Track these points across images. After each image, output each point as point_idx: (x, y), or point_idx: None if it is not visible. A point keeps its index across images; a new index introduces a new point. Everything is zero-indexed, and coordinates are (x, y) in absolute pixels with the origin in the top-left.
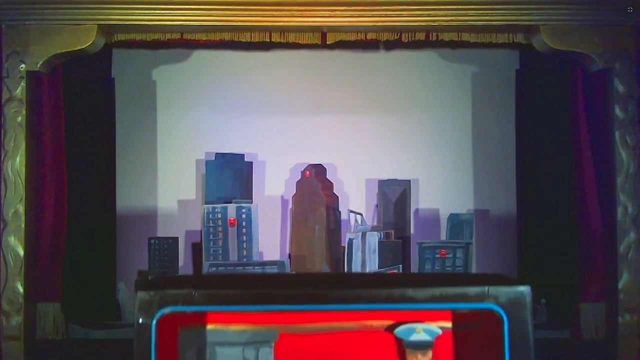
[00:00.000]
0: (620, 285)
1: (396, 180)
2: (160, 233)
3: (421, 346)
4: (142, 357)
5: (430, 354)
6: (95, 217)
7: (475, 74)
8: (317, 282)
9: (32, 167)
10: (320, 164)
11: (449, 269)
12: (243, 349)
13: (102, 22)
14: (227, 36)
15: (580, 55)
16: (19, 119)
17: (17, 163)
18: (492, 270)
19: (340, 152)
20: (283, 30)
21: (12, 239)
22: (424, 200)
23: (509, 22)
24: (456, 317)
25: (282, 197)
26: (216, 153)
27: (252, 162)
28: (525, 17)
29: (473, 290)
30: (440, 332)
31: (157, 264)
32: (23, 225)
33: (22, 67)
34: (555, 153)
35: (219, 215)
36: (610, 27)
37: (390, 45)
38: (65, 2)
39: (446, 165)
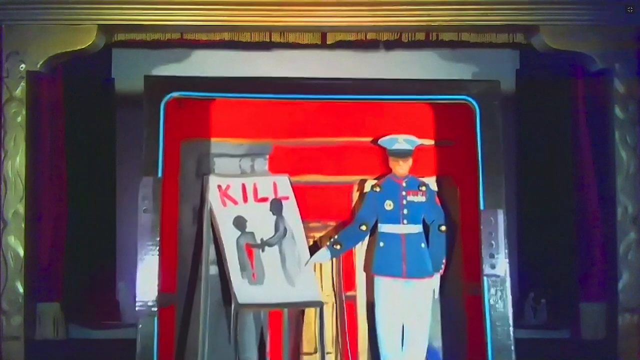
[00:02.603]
0: (620, 285)
1: None
2: None
3: (402, 154)
4: (150, 137)
5: (410, 160)
6: (95, 217)
7: (475, 74)
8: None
9: (32, 167)
10: None
11: None
12: (240, 160)
13: (102, 22)
14: (227, 36)
15: (580, 55)
16: (19, 119)
17: (17, 163)
18: None
19: None
20: (283, 30)
21: (12, 239)
22: None
23: (509, 22)
24: (438, 131)
25: None
26: None
27: None
28: (525, 17)
29: (449, 83)
30: (419, 142)
31: None
32: (23, 225)
33: (22, 67)
34: (555, 153)
35: None
36: (610, 27)
37: (390, 45)
38: (65, 2)
39: None
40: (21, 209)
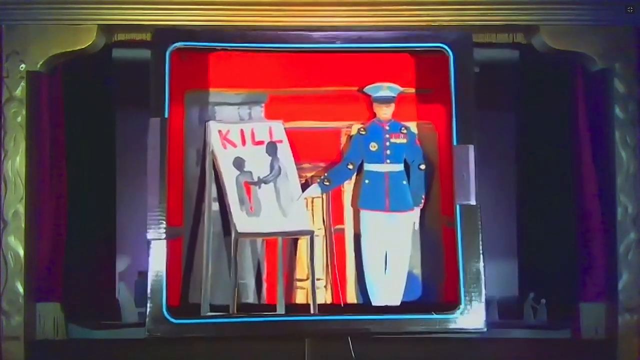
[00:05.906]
0: (620, 285)
1: None
2: None
3: (386, 100)
4: (157, 83)
5: (393, 106)
6: (95, 217)
7: (475, 74)
8: None
9: (32, 167)
10: None
11: None
12: (238, 108)
13: (102, 22)
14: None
15: (580, 55)
16: (19, 119)
17: (17, 163)
18: (490, 264)
19: None
20: (283, 30)
21: (12, 239)
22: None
23: (509, 22)
24: (418, 80)
25: None
26: None
27: None
28: (525, 17)
29: (426, 32)
30: (401, 89)
31: None
32: (23, 225)
33: (22, 67)
34: (555, 153)
35: None
36: (610, 27)
37: None
38: (65, 2)
39: None
40: (21, 209)
